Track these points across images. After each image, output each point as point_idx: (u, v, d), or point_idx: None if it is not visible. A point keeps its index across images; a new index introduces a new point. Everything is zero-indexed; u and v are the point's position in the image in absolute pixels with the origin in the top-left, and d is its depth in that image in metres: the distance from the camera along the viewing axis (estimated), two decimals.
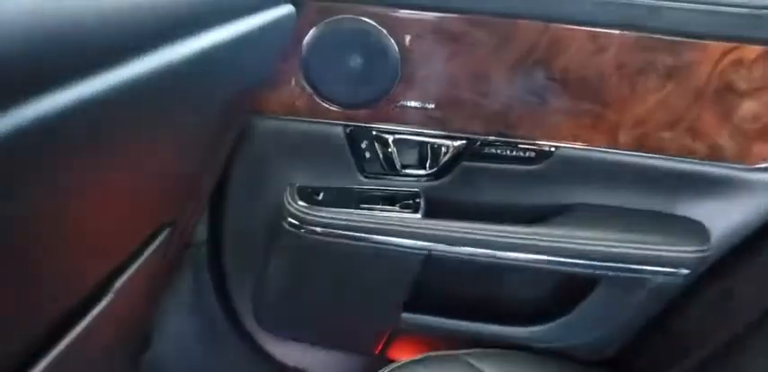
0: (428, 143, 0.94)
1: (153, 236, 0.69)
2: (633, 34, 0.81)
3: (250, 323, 1.11)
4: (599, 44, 0.83)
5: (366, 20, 0.84)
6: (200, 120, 0.60)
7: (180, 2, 0.43)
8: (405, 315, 0.98)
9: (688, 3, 0.79)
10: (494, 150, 0.92)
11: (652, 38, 0.82)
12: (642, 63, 0.83)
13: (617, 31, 0.82)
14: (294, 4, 0.64)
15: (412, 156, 0.96)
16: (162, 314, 1.06)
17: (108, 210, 0.49)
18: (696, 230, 0.91)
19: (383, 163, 0.95)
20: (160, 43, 0.40)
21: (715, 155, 0.89)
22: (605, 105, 0.87)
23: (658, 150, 0.89)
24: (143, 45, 0.39)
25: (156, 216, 0.68)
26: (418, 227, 0.89)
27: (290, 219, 0.91)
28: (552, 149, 0.91)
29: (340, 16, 0.85)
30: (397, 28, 0.85)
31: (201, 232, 1.06)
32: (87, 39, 0.33)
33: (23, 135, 0.28)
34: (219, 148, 0.77)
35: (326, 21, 0.85)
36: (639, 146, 0.89)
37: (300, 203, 0.92)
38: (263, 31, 0.59)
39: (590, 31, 0.82)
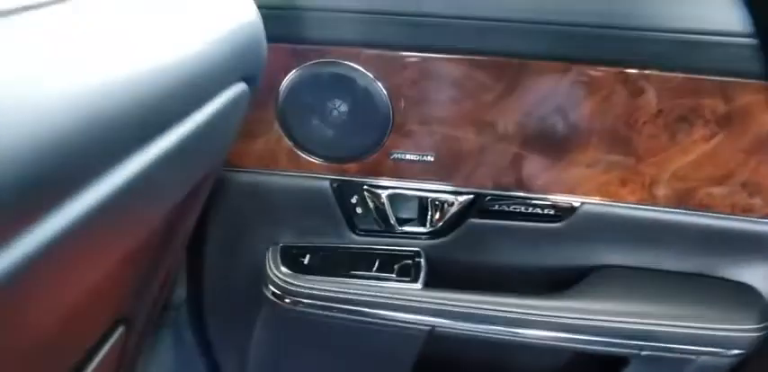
0: (428, 198, 0.80)
1: (108, 334, 0.60)
2: (674, 75, 0.66)
3: None
4: (633, 87, 0.68)
5: (349, 63, 0.71)
6: (159, 214, 0.50)
7: (132, 111, 0.33)
8: None
9: (739, 37, 0.64)
10: (506, 206, 0.78)
11: (698, 79, 0.66)
12: (685, 109, 0.68)
13: (656, 72, 0.67)
14: (247, 82, 0.52)
15: (410, 211, 0.83)
16: None
17: (62, 310, 0.40)
18: (751, 299, 0.77)
19: (377, 219, 0.82)
20: (114, 160, 0.33)
21: None
22: (639, 158, 0.72)
23: (705, 207, 0.75)
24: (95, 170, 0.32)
25: (111, 313, 0.60)
26: (419, 300, 0.77)
27: (271, 288, 0.80)
28: (576, 204, 0.77)
29: (319, 60, 0.71)
30: (385, 71, 0.71)
31: (181, 291, 0.95)
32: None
33: None
34: (179, 231, 0.65)
35: (304, 65, 0.71)
36: (681, 202, 0.75)
37: (284, 269, 0.80)
38: (220, 115, 0.48)
39: (622, 71, 0.67)
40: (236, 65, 0.48)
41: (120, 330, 0.64)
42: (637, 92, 0.68)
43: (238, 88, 0.50)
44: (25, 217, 0.27)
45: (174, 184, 0.49)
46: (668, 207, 0.75)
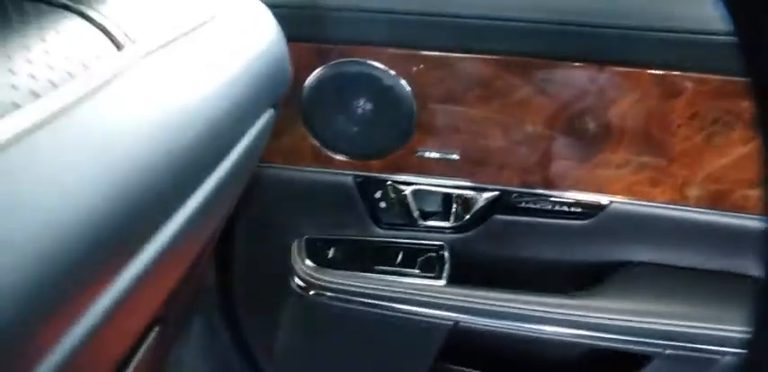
0: (453, 193, 0.80)
1: (145, 334, 0.63)
2: (712, 77, 0.64)
3: (265, 365, 1.04)
4: (669, 89, 0.65)
5: (374, 62, 0.69)
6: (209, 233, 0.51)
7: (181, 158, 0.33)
8: None
9: None
10: (532, 204, 0.77)
11: (736, 81, 0.63)
12: (722, 111, 0.66)
13: (693, 74, 0.64)
14: (274, 107, 0.52)
15: (434, 205, 0.82)
16: (174, 363, 1.00)
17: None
18: None
19: (400, 213, 0.82)
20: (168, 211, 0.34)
21: None
22: (671, 159, 0.70)
23: (739, 208, 0.73)
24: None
25: (151, 315, 0.62)
26: (443, 297, 0.77)
27: (297, 280, 0.81)
28: (605, 203, 0.76)
29: (343, 59, 0.69)
30: (410, 70, 0.69)
31: (210, 277, 0.97)
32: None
33: None
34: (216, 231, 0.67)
35: (329, 64, 0.70)
36: (714, 203, 0.73)
37: (308, 263, 0.81)
38: (254, 143, 0.48)
39: (657, 73, 0.64)
40: (267, 96, 0.48)
41: (157, 329, 0.66)
42: (672, 94, 0.65)
43: (268, 114, 0.50)
44: (118, 259, 0.27)
45: (222, 207, 0.49)
46: (700, 207, 0.73)
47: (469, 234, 0.82)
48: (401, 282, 0.78)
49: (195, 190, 0.36)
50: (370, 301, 0.79)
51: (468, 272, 0.81)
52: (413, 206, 0.81)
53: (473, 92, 0.70)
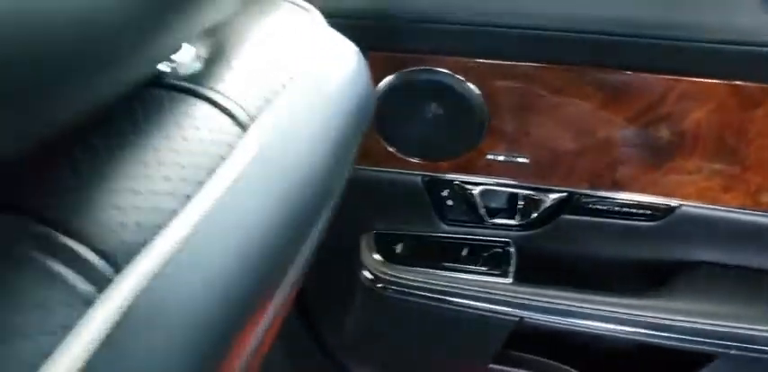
0: (521, 194, 0.81)
1: None
2: None
3: (333, 343, 1.09)
4: (747, 100, 0.64)
5: (446, 71, 0.70)
6: None
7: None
8: (493, 367, 0.92)
9: None
10: (600, 205, 0.78)
11: None
12: None
13: None
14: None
15: (500, 203, 0.84)
16: None
17: None
18: None
19: (467, 211, 0.84)
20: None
21: None
22: (745, 167, 0.70)
23: None
24: None
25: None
26: (509, 294, 0.80)
27: (365, 273, 0.85)
28: (674, 205, 0.76)
29: (416, 67, 0.71)
30: (483, 79, 0.70)
31: None
32: None
33: None
34: None
35: (401, 71, 0.71)
36: None
37: (376, 257, 0.85)
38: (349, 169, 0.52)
39: (735, 84, 0.64)
40: (360, 133, 0.50)
41: None
42: (750, 104, 0.65)
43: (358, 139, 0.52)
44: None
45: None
46: None
47: (536, 232, 0.84)
48: (467, 279, 0.81)
49: (311, 231, 0.39)
50: (435, 296, 0.82)
51: (533, 269, 0.83)
52: (479, 204, 0.83)
53: (545, 99, 0.70)
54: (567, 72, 0.67)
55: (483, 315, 0.82)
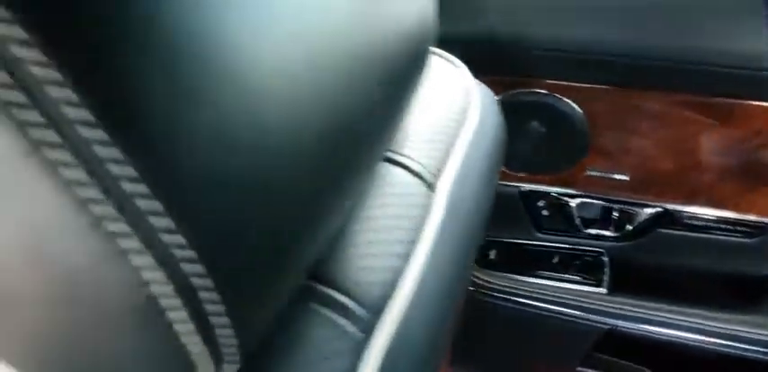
0: (617, 207, 0.84)
1: None
2: None
3: None
4: None
5: (551, 93, 0.73)
6: None
7: None
8: (580, 369, 0.96)
9: None
10: (697, 221, 0.80)
11: None
12: None
13: None
14: None
15: (594, 214, 0.87)
16: None
17: None
18: None
19: (562, 221, 0.87)
20: None
21: None
22: None
23: None
24: None
25: None
26: (603, 303, 0.83)
27: None
28: None
29: (520, 90, 0.74)
30: (585, 100, 0.73)
31: None
32: None
33: None
34: None
35: (506, 93, 0.75)
36: None
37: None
38: None
39: None
40: (501, 165, 0.55)
41: None
42: None
43: None
44: None
45: None
46: None
47: (630, 243, 0.86)
48: (561, 288, 0.85)
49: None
50: (527, 301, 0.86)
51: (626, 280, 0.86)
52: (575, 214, 0.86)
53: (648, 122, 0.72)
54: (671, 97, 0.69)
55: (574, 322, 0.85)
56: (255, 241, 0.19)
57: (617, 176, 0.79)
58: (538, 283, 0.86)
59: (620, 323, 0.83)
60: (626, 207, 0.83)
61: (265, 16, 0.19)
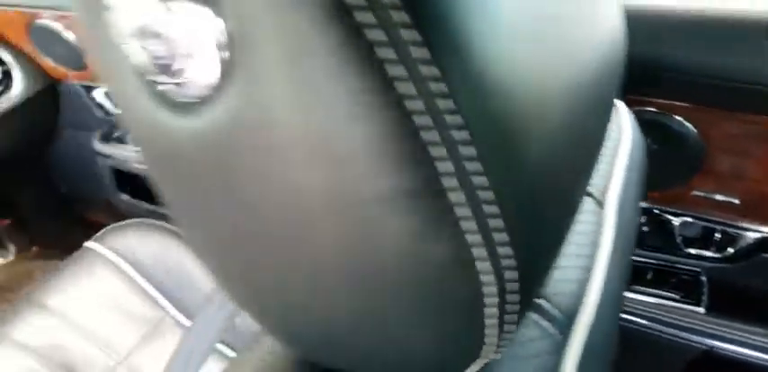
0: (721, 229, 0.84)
1: None
2: None
3: None
4: None
5: (668, 113, 0.75)
6: None
7: None
8: None
9: None
10: None
11: None
12: None
13: None
14: None
15: (695, 233, 0.87)
16: None
17: None
18: None
19: (663, 238, 0.88)
20: None
21: None
22: None
23: None
24: None
25: None
26: (701, 323, 0.84)
27: None
28: None
29: (638, 108, 0.76)
30: (701, 121, 0.74)
31: None
32: None
33: None
34: None
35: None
36: None
37: None
38: None
39: None
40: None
41: None
42: None
43: None
44: None
45: None
46: None
47: (731, 265, 0.86)
48: (659, 304, 0.86)
49: None
50: (623, 315, 0.87)
51: (725, 301, 0.86)
52: (677, 232, 0.87)
53: (764, 147, 0.73)
54: None
55: (670, 340, 0.86)
56: (547, 212, 0.23)
57: (725, 198, 0.79)
58: (634, 298, 0.87)
59: (717, 343, 0.83)
60: (730, 229, 0.83)
61: None
